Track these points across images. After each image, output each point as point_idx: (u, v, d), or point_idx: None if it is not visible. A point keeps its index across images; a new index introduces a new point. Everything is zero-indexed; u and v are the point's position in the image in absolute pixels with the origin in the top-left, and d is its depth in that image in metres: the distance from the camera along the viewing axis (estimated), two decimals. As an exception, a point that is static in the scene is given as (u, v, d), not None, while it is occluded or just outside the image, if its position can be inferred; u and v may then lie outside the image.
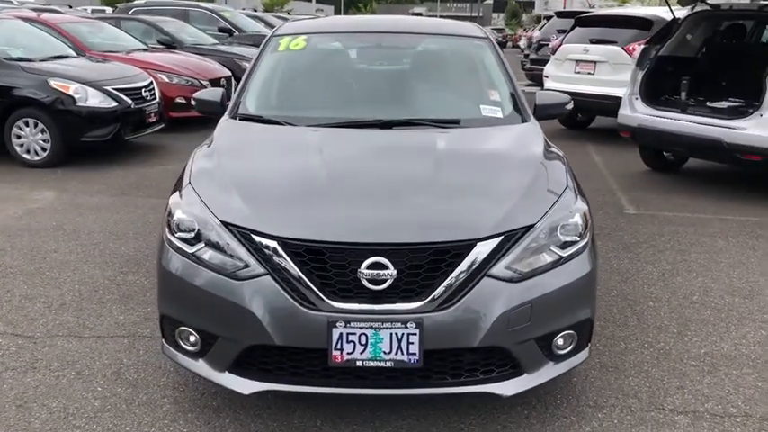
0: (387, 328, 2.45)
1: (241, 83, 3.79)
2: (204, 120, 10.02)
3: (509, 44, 52.38)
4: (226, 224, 2.62)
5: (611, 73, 9.09)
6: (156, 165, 7.64)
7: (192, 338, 2.70)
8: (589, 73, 9.37)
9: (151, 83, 8.28)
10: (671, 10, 7.16)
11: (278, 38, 4.07)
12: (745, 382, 3.18)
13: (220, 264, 2.59)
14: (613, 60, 9.10)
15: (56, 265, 4.53)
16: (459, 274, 2.49)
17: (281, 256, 2.51)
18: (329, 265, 2.49)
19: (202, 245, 2.65)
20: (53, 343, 3.47)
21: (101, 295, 4.06)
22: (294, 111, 3.63)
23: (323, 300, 2.47)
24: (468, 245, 2.52)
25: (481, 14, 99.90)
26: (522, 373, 2.61)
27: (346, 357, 2.46)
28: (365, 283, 2.47)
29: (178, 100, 9.45)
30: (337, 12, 71.70)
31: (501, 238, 2.56)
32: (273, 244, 2.52)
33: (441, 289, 2.48)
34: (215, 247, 2.62)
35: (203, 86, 9.75)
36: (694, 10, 7.02)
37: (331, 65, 4.08)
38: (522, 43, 32.11)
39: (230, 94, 10.38)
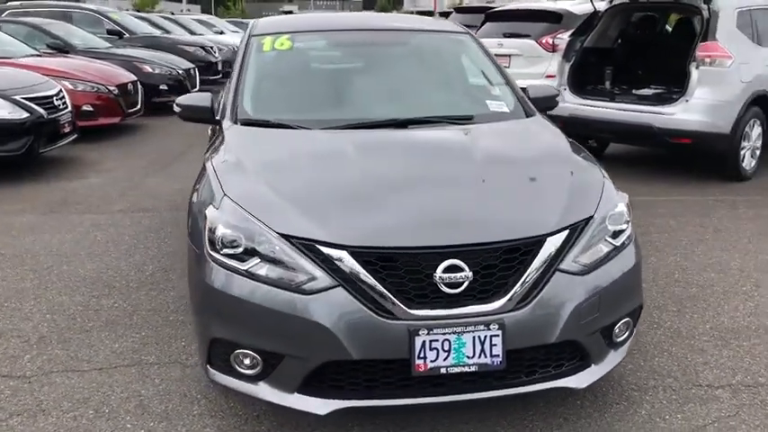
0: (470, 331, 2.39)
1: (232, 86, 3.57)
2: (112, 128, 9.49)
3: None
4: (285, 236, 2.46)
5: (525, 65, 9.37)
6: (76, 178, 7.11)
7: (251, 361, 2.52)
8: (505, 66, 9.61)
9: (61, 90, 7.69)
10: (592, 3, 7.47)
11: (258, 38, 3.88)
12: (759, 351, 3.37)
13: (282, 278, 2.43)
14: (527, 53, 9.39)
15: (12, 295, 4.11)
16: (534, 270, 2.47)
17: (352, 265, 2.38)
18: (403, 272, 2.40)
19: (257, 260, 2.47)
20: (51, 380, 3.14)
21: (81, 323, 3.72)
22: (300, 113, 3.47)
23: (401, 308, 2.37)
24: (539, 240, 2.50)
25: (350, 12, 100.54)
26: (590, 365, 2.63)
27: (430, 365, 2.38)
28: (442, 287, 2.39)
29: (85, 108, 8.84)
30: (206, 10, 69.60)
31: (567, 231, 2.56)
32: (343, 254, 2.39)
33: (517, 287, 2.44)
34: (272, 261, 2.46)
35: (111, 93, 9.21)
36: (614, 3, 7.37)
37: (325, 64, 3.94)
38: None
39: (136, 99, 9.90)
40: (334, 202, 2.61)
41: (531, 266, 2.47)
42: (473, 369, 2.41)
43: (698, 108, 6.44)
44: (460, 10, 14.65)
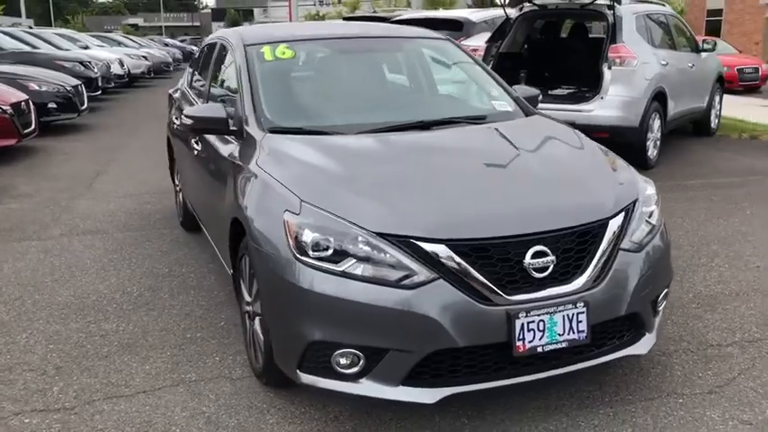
0: (560, 311, 2.58)
1: (245, 95, 3.53)
2: (7, 152, 8.79)
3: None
4: (381, 235, 2.54)
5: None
6: (-8, 204, 6.61)
7: (352, 359, 2.57)
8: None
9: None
10: (504, 10, 7.95)
11: (254, 47, 3.87)
12: (742, 313, 3.83)
13: (381, 275, 2.51)
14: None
15: (-7, 330, 3.83)
16: (603, 251, 2.71)
17: (451, 258, 2.51)
18: (495, 260, 2.56)
19: (352, 260, 2.54)
20: (98, 409, 3.00)
21: (94, 349, 3.55)
22: (326, 120, 3.52)
23: (499, 294, 2.53)
24: (604, 224, 2.75)
25: (200, 23, 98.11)
26: (645, 333, 2.91)
27: (528, 346, 2.55)
28: (531, 272, 2.58)
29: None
30: (46, 23, 65.25)
31: (623, 213, 2.83)
32: (442, 247, 2.52)
33: (592, 267, 2.67)
34: (368, 260, 2.53)
35: (5, 113, 8.58)
36: (523, 10, 7.88)
37: (331, 71, 3.99)
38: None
39: (30, 119, 9.23)
40: (416, 199, 2.71)
41: (601, 247, 2.71)
42: (564, 345, 2.61)
43: (612, 104, 7.06)
44: (349, 19, 14.86)
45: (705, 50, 9.04)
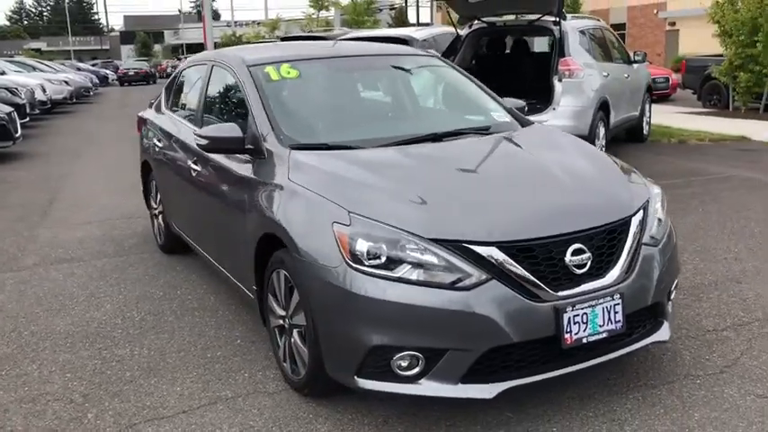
0: (600, 303, 2.78)
1: (259, 114, 3.59)
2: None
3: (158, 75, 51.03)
4: (435, 240, 2.68)
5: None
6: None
7: (412, 361, 2.68)
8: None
9: None
10: (455, 28, 8.23)
11: (257, 68, 3.93)
12: (725, 300, 4.16)
13: (437, 279, 2.64)
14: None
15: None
16: (629, 246, 2.93)
17: (503, 259, 2.67)
18: (540, 259, 2.74)
19: (407, 266, 2.66)
20: (142, 431, 2.99)
21: (116, 375, 3.51)
22: (343, 135, 3.62)
23: (546, 291, 2.71)
24: (627, 221, 2.98)
25: (108, 47, 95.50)
26: (663, 321, 3.15)
27: (575, 338, 2.74)
28: (572, 268, 2.77)
29: None
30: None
31: (642, 211, 3.07)
32: (493, 250, 2.67)
33: (622, 261, 2.89)
34: (423, 265, 2.66)
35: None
36: (472, 28, 8.20)
37: (338, 88, 4.08)
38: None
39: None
40: (461, 205, 2.86)
41: (627, 243, 2.93)
42: (604, 335, 2.80)
43: (564, 114, 7.44)
44: (286, 39, 14.91)
45: (636, 62, 9.62)
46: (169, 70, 53.08)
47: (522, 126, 3.99)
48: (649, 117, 10.57)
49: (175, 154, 4.72)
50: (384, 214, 2.78)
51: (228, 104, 4.24)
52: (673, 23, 35.24)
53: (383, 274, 2.66)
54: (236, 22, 61.46)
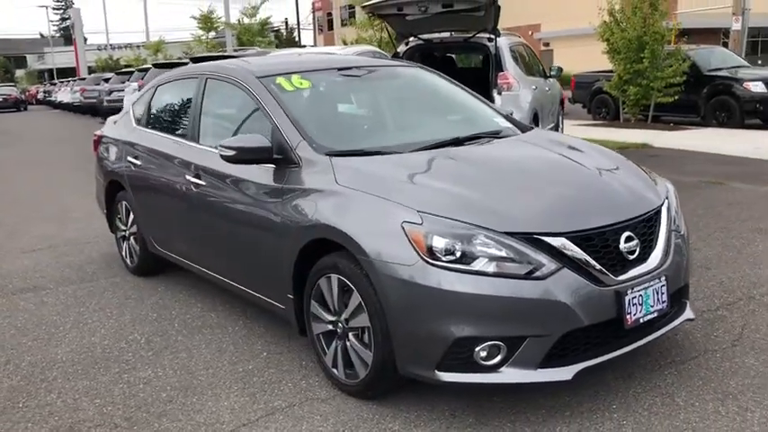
0: (651, 285, 3.02)
1: (285, 125, 3.60)
2: None
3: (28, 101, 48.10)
4: (509, 234, 2.82)
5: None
6: None
7: (493, 350, 2.80)
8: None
9: None
10: (393, 45, 8.44)
11: (267, 79, 3.94)
12: (707, 282, 4.54)
13: (513, 270, 2.78)
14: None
15: (10, 396, 3.48)
16: (664, 232, 3.20)
17: (572, 248, 2.85)
18: (599, 247, 2.94)
19: (484, 259, 2.78)
20: (211, 447, 2.91)
21: (152, 397, 3.37)
22: (374, 142, 3.69)
23: (609, 276, 2.91)
24: (659, 210, 3.25)
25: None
26: (686, 302, 3.44)
27: (633, 318, 2.95)
28: (626, 254, 2.99)
29: None
30: None
31: (666, 200, 3.36)
32: (563, 240, 2.85)
33: (660, 247, 3.15)
34: (499, 258, 2.79)
35: None
36: (409, 45, 8.45)
37: (351, 98, 4.13)
38: (71, 96, 30.70)
39: None
40: (525, 200, 3.02)
41: (662, 230, 3.20)
42: (655, 315, 3.04)
43: (505, 126, 7.78)
44: (197, 60, 14.62)
45: (552, 76, 10.22)
46: (40, 96, 50.27)
47: (523, 131, 4.20)
48: (562, 128, 11.22)
49: (163, 170, 4.59)
50: (453, 211, 2.89)
51: (235, 117, 4.20)
52: (547, 44, 37.45)
53: (461, 268, 2.77)
54: (111, 46, 59.16)
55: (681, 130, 13.69)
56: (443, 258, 2.78)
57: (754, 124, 13.97)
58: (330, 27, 56.47)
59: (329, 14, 57.09)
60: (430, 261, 2.79)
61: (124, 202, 5.26)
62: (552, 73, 10.21)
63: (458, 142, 3.73)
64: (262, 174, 3.65)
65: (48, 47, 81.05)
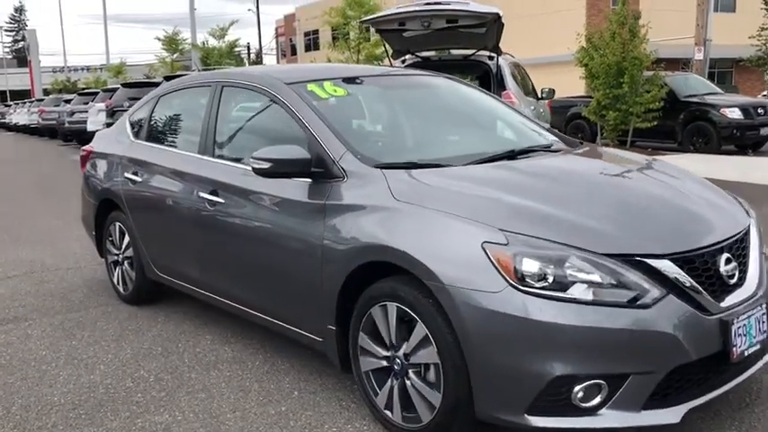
0: (753, 314, 2.69)
1: (325, 135, 3.22)
2: None
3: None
4: (609, 256, 2.47)
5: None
6: None
7: (592, 391, 2.43)
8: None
9: None
10: (390, 61, 8.14)
11: (297, 85, 3.56)
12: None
13: (614, 298, 2.44)
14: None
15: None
16: (756, 255, 2.89)
17: (675, 272, 2.51)
18: (701, 271, 2.61)
19: (582, 285, 2.43)
20: None
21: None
22: (426, 153, 3.34)
23: (714, 303, 2.58)
24: (748, 230, 2.95)
25: None
26: None
27: (739, 351, 2.62)
28: (726, 278, 2.67)
29: None
30: None
31: (752, 220, 3.06)
32: (665, 263, 2.51)
33: (754, 270, 2.83)
34: (597, 283, 2.44)
35: None
36: (406, 62, 8.15)
37: (390, 107, 3.77)
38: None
39: None
40: (613, 218, 2.67)
41: (754, 252, 2.89)
42: (758, 347, 2.71)
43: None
44: (126, 85, 14.12)
45: (543, 98, 10.04)
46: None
47: (572, 145, 3.89)
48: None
49: (169, 187, 4.15)
50: (542, 230, 2.54)
51: (258, 128, 3.80)
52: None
53: (557, 295, 2.41)
54: (69, 68, 57.89)
55: (661, 155, 13.68)
56: (536, 283, 2.41)
57: (730, 150, 14.08)
58: (293, 52, 56.30)
59: (291, 40, 56.96)
60: (519, 287, 2.42)
61: (118, 224, 4.77)
62: (543, 95, 10.02)
63: (512, 155, 3.38)
64: (295, 189, 3.25)
65: (1, 68, 79.02)
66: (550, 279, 2.42)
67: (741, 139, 14.13)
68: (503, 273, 2.44)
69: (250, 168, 3.37)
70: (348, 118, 3.55)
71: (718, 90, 16.10)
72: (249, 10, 78.43)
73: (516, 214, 2.64)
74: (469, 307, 2.48)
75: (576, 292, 2.41)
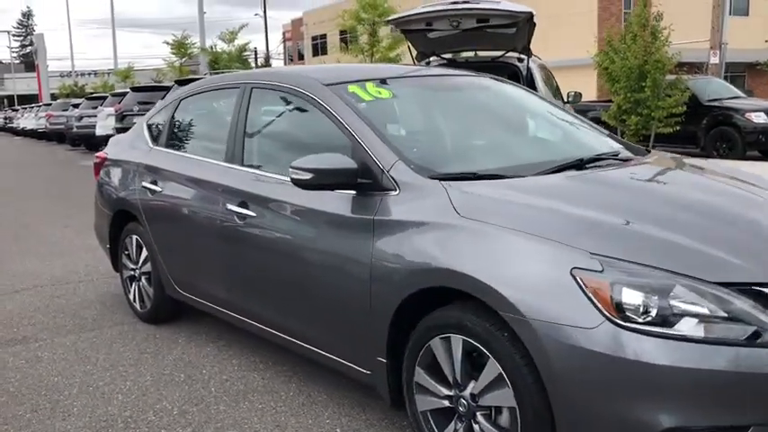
0: None
1: (373, 142, 2.86)
2: None
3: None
4: (723, 285, 2.10)
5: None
6: None
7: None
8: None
9: None
10: (414, 62, 7.78)
11: (337, 87, 3.21)
12: None
13: (732, 334, 2.07)
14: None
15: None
16: None
17: None
18: None
19: (692, 319, 2.06)
20: None
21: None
22: (487, 162, 2.98)
23: None
24: None
25: None
26: None
27: None
28: None
29: None
30: None
31: None
32: None
33: None
34: (711, 317, 2.07)
35: None
36: (430, 65, 7.79)
37: (444, 110, 3.42)
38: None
39: None
40: (720, 240, 2.30)
41: None
42: None
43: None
44: (182, 82, 13.80)
45: (569, 102, 9.66)
46: (0, 123, 48.39)
47: (637, 152, 3.52)
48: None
49: (192, 198, 3.80)
50: (639, 254, 2.17)
51: (293, 133, 3.46)
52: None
53: (662, 332, 2.05)
54: (76, 72, 57.77)
55: (686, 161, 13.28)
56: (638, 319, 2.05)
57: (754, 156, 13.69)
58: (300, 57, 56.07)
59: (298, 44, 56.75)
60: (619, 322, 2.06)
61: (135, 236, 4.43)
62: (570, 99, 9.63)
63: (581, 164, 3.02)
64: (336, 202, 2.89)
65: (7, 73, 78.97)
66: (653, 312, 2.06)
67: (767, 145, 13.73)
68: (598, 305, 2.08)
69: (284, 178, 3.05)
70: (395, 122, 3.20)
71: (741, 94, 15.71)
72: (256, 14, 78.39)
73: (606, 235, 2.28)
74: (557, 344, 2.12)
75: (685, 327, 2.05)
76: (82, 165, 17.52)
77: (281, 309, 3.27)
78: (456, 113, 3.52)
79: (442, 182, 2.65)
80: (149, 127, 4.50)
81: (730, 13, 27.86)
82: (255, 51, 60.56)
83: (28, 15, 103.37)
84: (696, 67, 26.23)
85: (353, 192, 2.85)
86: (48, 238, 7.51)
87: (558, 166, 2.91)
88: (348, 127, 2.97)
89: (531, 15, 6.60)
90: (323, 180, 2.79)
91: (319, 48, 52.30)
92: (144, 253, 4.36)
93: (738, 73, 36.77)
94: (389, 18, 7.57)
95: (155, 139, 4.38)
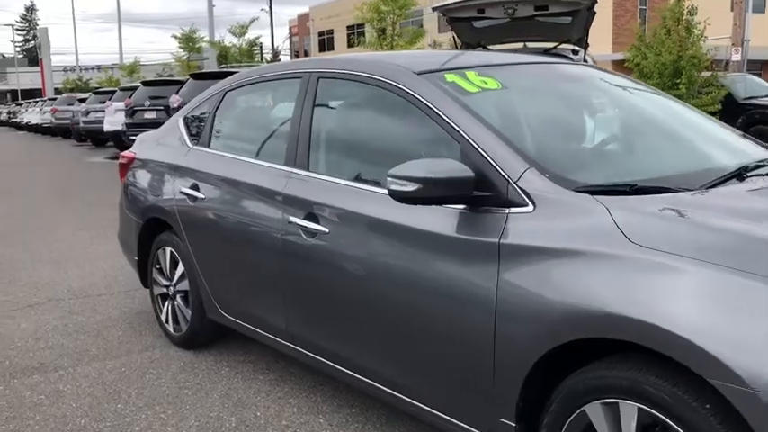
0: None
1: (493, 145, 2.28)
2: None
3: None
4: None
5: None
6: None
7: None
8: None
9: None
10: (458, 55, 7.18)
11: (432, 75, 2.62)
12: None
13: None
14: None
15: None
16: None
17: None
18: None
19: None
20: None
21: None
22: (637, 172, 2.39)
23: None
24: None
25: None
26: None
27: None
28: None
29: None
30: None
31: None
32: None
33: None
34: None
35: None
36: (475, 56, 7.19)
37: (565, 104, 2.82)
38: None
39: None
40: None
41: None
42: None
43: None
44: (197, 76, 13.24)
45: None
46: (3, 117, 47.73)
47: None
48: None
49: (246, 208, 3.23)
50: None
51: (376, 133, 2.86)
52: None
53: None
54: (80, 67, 57.18)
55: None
56: None
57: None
58: (306, 53, 55.47)
59: (304, 40, 56.16)
60: None
61: (169, 248, 3.84)
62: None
63: (742, 174, 2.42)
64: (437, 219, 2.31)
65: (11, 67, 78.41)
66: None
67: (808, 145, 13.13)
68: None
69: (368, 188, 2.48)
70: (513, 119, 2.60)
71: (779, 92, 15.09)
72: (262, 9, 77.76)
73: None
74: None
75: None
76: (90, 161, 16.96)
77: (361, 346, 2.68)
78: (578, 108, 2.92)
79: (595, 196, 2.05)
80: (187, 123, 3.91)
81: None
82: (261, 47, 60.04)
83: (31, 9, 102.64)
84: (717, 65, 25.61)
85: (461, 207, 2.26)
86: (60, 243, 6.93)
87: (726, 176, 2.31)
88: (456, 126, 2.38)
89: (593, 2, 5.99)
90: (432, 192, 2.20)
91: (326, 43, 51.73)
92: (180, 268, 3.78)
93: (755, 70, 36.22)
94: (436, 6, 6.96)
95: (194, 138, 3.79)
